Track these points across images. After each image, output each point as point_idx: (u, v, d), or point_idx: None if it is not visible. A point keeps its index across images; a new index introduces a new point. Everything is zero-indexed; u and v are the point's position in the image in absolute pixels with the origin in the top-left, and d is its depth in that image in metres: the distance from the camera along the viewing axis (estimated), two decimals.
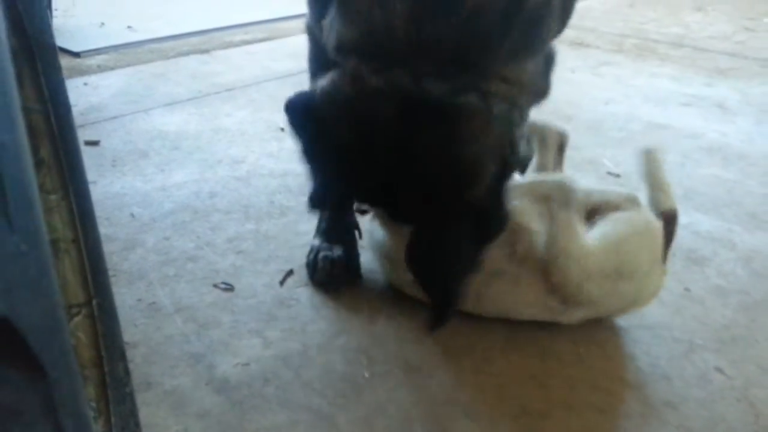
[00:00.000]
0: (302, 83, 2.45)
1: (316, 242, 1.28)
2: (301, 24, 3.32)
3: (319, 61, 1.07)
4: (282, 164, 1.77)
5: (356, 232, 1.32)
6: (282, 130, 2.02)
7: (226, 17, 3.33)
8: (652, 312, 1.20)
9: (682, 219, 1.51)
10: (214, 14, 3.40)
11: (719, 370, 1.06)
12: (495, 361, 1.07)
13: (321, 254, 1.25)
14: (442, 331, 1.12)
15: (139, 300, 1.19)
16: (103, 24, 3.11)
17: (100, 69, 2.53)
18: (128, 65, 2.61)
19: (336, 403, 0.98)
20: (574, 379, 1.04)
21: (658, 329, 1.15)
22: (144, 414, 0.92)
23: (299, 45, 2.90)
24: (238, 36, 3.10)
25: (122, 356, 0.81)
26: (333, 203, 1.15)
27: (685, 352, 1.10)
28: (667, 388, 1.02)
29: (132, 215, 1.47)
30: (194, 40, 2.99)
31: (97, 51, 2.74)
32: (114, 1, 3.58)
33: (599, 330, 1.15)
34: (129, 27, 3.06)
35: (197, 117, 2.08)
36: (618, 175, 1.74)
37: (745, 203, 1.61)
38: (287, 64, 2.68)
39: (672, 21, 3.58)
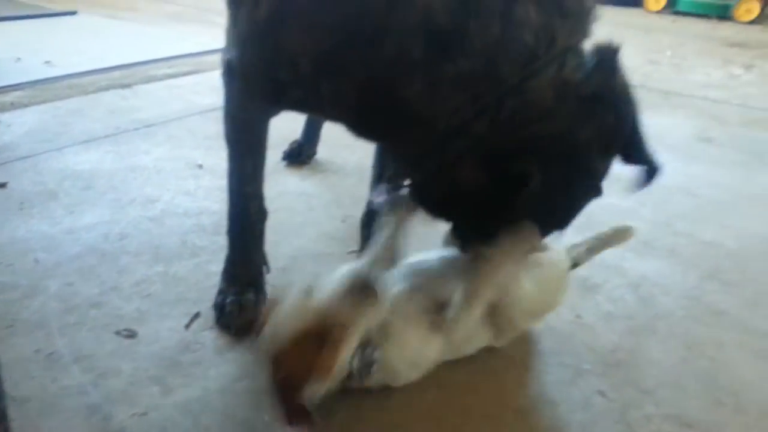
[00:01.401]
0: None
1: (224, 285, 1.29)
2: None
3: None
4: (198, 202, 1.78)
5: (264, 269, 1.34)
6: (200, 167, 2.02)
7: (150, 51, 3.32)
8: (545, 339, 1.27)
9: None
10: (138, 48, 3.37)
11: (602, 393, 1.13)
12: (393, 397, 1.11)
13: (229, 298, 1.25)
14: None
15: (37, 351, 1.17)
16: (19, 59, 3.04)
17: (14, 106, 2.47)
18: (44, 102, 2.55)
19: None
20: (468, 409, 1.09)
21: (550, 356, 1.22)
22: None
23: None
24: (162, 70, 3.09)
25: (2, 417, 0.80)
26: None
27: (572, 378, 1.16)
28: (553, 413, 1.08)
29: (36, 260, 1.44)
30: (116, 74, 2.96)
31: (12, 87, 2.67)
32: (31, 36, 3.51)
33: (495, 360, 1.20)
34: (47, 62, 3.01)
35: (113, 155, 2.06)
36: None
37: (638, 231, 1.72)
38: (211, 98, 2.69)
39: None
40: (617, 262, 1.55)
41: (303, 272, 1.47)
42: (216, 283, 1.35)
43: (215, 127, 2.35)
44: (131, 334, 1.22)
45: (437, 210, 1.08)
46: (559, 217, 1.03)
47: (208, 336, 1.23)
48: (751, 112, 2.89)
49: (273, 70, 1.02)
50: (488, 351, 1.21)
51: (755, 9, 5.40)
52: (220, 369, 1.15)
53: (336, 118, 1.09)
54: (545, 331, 1.29)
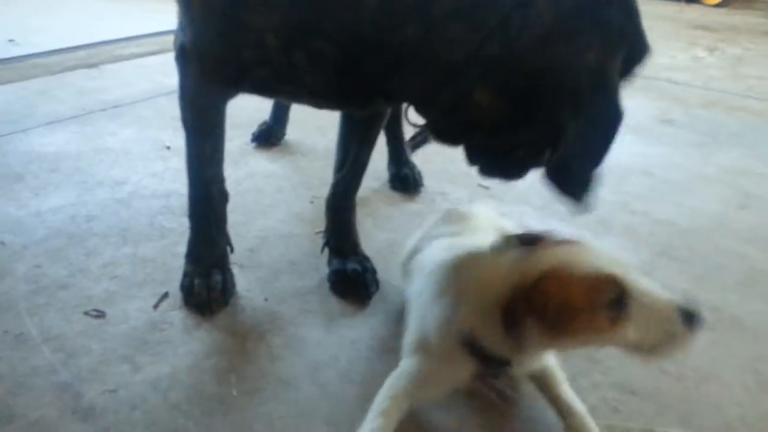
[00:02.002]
0: None
1: (190, 267, 1.31)
2: None
3: None
4: (166, 184, 1.79)
5: (228, 250, 1.36)
6: (168, 148, 2.03)
7: (117, 29, 3.26)
8: None
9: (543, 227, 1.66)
10: (104, 26, 3.32)
11: None
12: (358, 371, 1.15)
13: (197, 280, 1.28)
14: (309, 347, 1.20)
15: (6, 331, 1.19)
16: None
17: None
18: (9, 81, 2.52)
19: (202, 423, 1.02)
20: None
21: None
22: None
23: None
24: (129, 49, 3.05)
25: None
26: None
27: None
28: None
29: (2, 243, 1.45)
30: (82, 53, 2.92)
31: None
32: None
33: None
34: (11, 40, 2.95)
35: (80, 136, 2.05)
36: (487, 188, 1.88)
37: (598, 211, 1.78)
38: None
39: None
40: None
41: (271, 253, 1.50)
42: (183, 263, 1.37)
43: None
44: (100, 315, 1.24)
45: (456, 140, 1.06)
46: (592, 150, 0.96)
47: (176, 316, 1.26)
48: (711, 94, 2.98)
49: (234, 51, 1.02)
50: None
51: None
52: (188, 347, 1.18)
53: (309, 91, 1.07)
54: None
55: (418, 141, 1.44)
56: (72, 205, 1.63)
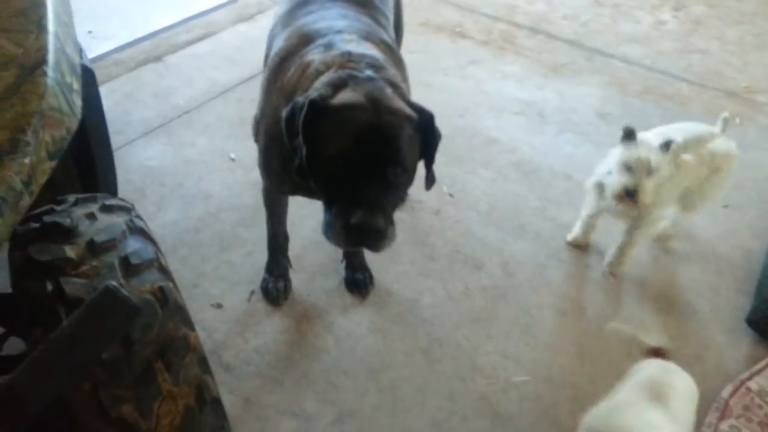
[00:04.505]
0: (242, 99, 3.22)
1: (267, 275, 2.29)
2: (231, 14, 4.26)
3: None
4: (237, 198, 2.66)
5: (288, 265, 2.32)
6: (233, 160, 2.90)
7: (165, 10, 3.88)
8: (444, 305, 2.30)
9: (481, 232, 2.59)
10: (156, 7, 3.94)
11: (467, 338, 2.19)
12: (363, 343, 2.17)
13: (271, 285, 2.26)
14: (334, 327, 2.21)
15: None
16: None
17: None
18: (101, 83, 3.30)
19: (285, 373, 2.06)
20: (373, 351, 2.16)
21: (444, 317, 2.26)
22: None
23: (234, 44, 3.60)
24: (182, 36, 3.74)
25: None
26: None
27: (452, 330, 2.22)
28: (443, 351, 2.15)
29: None
30: (146, 45, 3.63)
31: None
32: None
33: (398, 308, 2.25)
34: (90, 32, 3.63)
35: (170, 149, 2.92)
36: (452, 195, 2.76)
37: (521, 216, 2.68)
38: (226, 74, 3.42)
39: None
40: (499, 245, 2.54)
41: (309, 258, 2.45)
42: (259, 269, 2.33)
43: (236, 113, 3.18)
44: (220, 306, 2.25)
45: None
46: None
47: (261, 306, 2.26)
48: (653, 77, 3.65)
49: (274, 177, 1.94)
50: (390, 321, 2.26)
51: None
52: (271, 327, 2.19)
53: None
54: (444, 300, 2.32)
55: None
56: (183, 219, 2.56)
